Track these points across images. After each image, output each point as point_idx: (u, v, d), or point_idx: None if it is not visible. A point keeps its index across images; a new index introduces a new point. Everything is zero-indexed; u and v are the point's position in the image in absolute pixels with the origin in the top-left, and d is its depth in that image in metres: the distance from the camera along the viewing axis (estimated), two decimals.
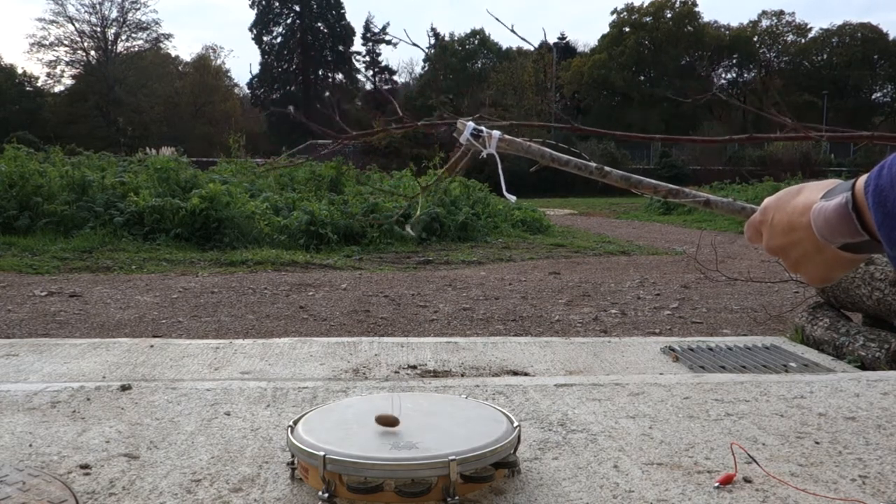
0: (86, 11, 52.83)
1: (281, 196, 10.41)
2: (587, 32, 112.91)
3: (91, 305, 4.72)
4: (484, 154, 1.15)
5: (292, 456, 1.44)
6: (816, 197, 0.73)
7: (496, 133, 1.14)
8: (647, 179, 1.12)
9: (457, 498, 1.30)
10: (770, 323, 4.24)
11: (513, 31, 1.61)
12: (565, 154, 1.14)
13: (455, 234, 9.45)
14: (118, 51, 47.83)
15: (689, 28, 47.46)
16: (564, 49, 52.79)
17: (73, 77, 47.74)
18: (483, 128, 1.15)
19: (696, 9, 48.04)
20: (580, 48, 55.37)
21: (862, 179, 0.67)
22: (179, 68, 50.70)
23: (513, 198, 1.28)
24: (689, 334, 3.97)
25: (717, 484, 1.44)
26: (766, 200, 0.82)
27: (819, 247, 0.73)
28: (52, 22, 53.98)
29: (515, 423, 1.48)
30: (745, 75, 49.85)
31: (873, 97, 49.82)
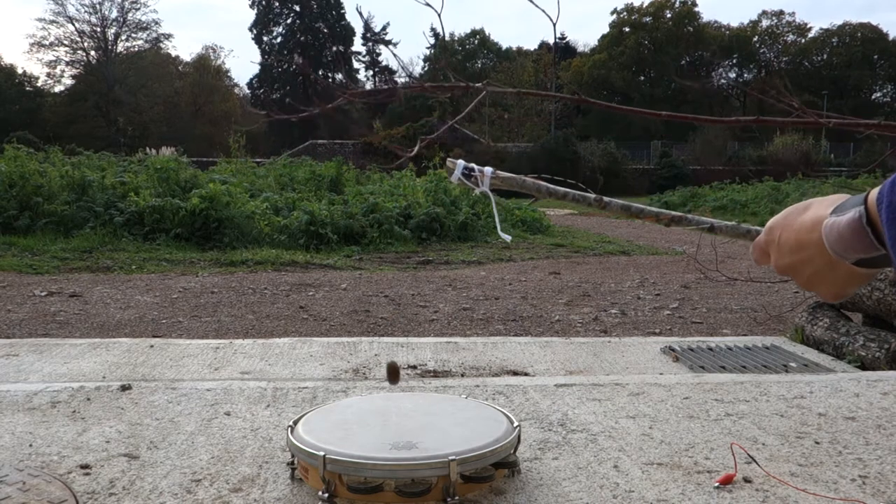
0: (86, 11, 52.89)
1: (281, 196, 10.41)
2: (587, 32, 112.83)
3: (91, 305, 4.72)
4: (477, 192, 1.14)
5: (292, 456, 1.44)
6: (825, 212, 0.71)
7: (488, 170, 1.13)
8: (649, 208, 1.11)
9: (457, 498, 1.30)
10: (770, 323, 4.24)
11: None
12: (560, 185, 1.13)
13: (455, 234, 9.44)
14: (118, 51, 47.85)
15: (689, 28, 47.49)
16: (564, 49, 52.80)
17: (73, 77, 47.78)
18: (474, 165, 1.13)
19: (696, 9, 48.09)
20: (580, 48, 55.42)
21: (874, 193, 0.65)
22: (179, 68, 50.70)
23: (508, 237, 1.28)
24: (689, 334, 3.97)
25: (717, 484, 1.44)
26: (772, 220, 0.80)
27: (832, 263, 0.72)
28: (52, 22, 54.07)
29: (515, 423, 1.48)
30: (746, 75, 49.89)
31: (873, 97, 49.87)
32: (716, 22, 50.01)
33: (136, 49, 48.63)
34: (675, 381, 2.24)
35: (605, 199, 1.10)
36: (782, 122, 1.79)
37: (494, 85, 1.50)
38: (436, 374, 2.78)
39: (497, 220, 1.26)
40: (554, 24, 1.63)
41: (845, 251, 0.69)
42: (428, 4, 1.75)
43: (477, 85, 1.52)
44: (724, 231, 1.01)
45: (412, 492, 1.30)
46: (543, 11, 1.63)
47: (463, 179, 1.13)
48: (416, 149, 1.55)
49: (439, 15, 1.81)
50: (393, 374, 1.51)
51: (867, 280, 0.74)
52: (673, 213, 1.09)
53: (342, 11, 54.23)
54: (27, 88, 44.90)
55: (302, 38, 53.00)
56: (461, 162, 1.13)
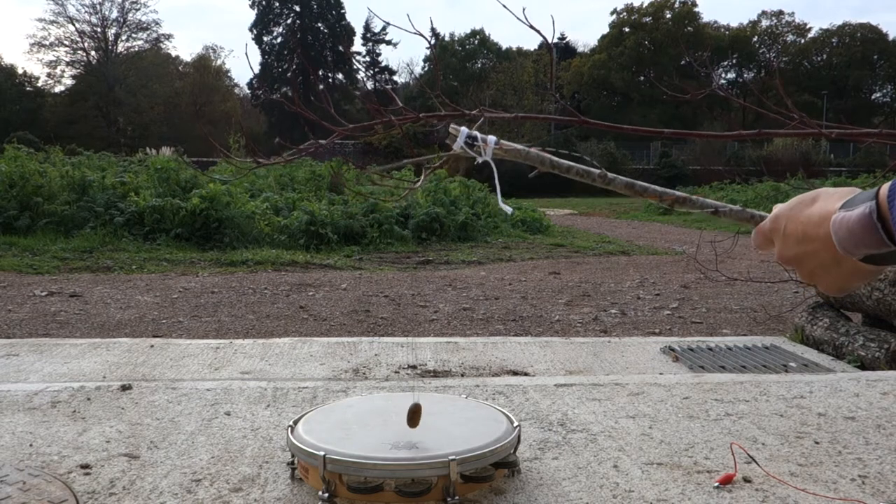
0: (86, 12, 52.80)
1: (281, 196, 10.42)
2: (587, 32, 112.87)
3: (91, 305, 4.72)
4: (479, 161, 1.11)
5: (292, 456, 1.44)
6: (833, 206, 0.70)
7: (491, 139, 1.10)
8: (653, 186, 1.07)
9: (457, 498, 1.30)
10: (770, 323, 4.24)
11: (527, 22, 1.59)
12: (566, 159, 1.10)
13: (455, 234, 9.45)
14: (118, 51, 47.88)
15: (689, 28, 47.49)
16: (564, 49, 52.84)
17: (74, 77, 47.79)
18: (478, 133, 1.11)
19: (696, 9, 48.11)
20: (580, 48, 55.46)
21: (885, 189, 0.65)
22: (179, 68, 50.71)
23: (509, 209, 1.25)
24: (689, 334, 3.97)
25: (716, 484, 1.44)
26: (778, 208, 0.79)
27: (837, 258, 0.71)
28: (52, 22, 54.09)
29: (515, 423, 1.49)
30: (746, 75, 49.90)
31: (873, 97, 49.87)
32: (715, 22, 50.08)
33: (137, 49, 48.67)
34: (674, 381, 2.24)
35: (609, 175, 1.07)
36: (784, 133, 1.78)
37: (490, 111, 1.48)
38: (436, 374, 2.78)
39: (499, 191, 1.22)
40: (550, 46, 1.63)
41: (854, 247, 0.68)
42: (418, 33, 1.74)
43: (473, 112, 1.50)
44: (728, 215, 0.99)
45: (412, 492, 1.30)
46: (539, 32, 1.62)
47: (465, 148, 1.10)
48: (421, 180, 1.54)
49: (433, 46, 1.81)
50: (412, 417, 1.46)
51: (873, 276, 0.73)
52: (677, 192, 1.06)
53: (342, 11, 54.25)
54: (27, 88, 44.90)
55: (302, 39, 52.95)
56: (464, 129, 1.10)
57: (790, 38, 49.99)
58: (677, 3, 48.06)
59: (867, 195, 0.67)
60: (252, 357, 2.97)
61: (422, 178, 1.50)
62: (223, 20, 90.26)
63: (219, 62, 52.09)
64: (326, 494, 1.32)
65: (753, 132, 1.83)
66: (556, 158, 1.09)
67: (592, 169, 1.09)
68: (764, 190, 16.47)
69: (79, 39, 47.27)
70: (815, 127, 1.76)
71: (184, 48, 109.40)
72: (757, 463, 1.55)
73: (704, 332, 4.02)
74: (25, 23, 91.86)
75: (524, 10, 1.58)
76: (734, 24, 50.98)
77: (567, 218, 15.63)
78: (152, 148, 16.31)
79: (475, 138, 1.10)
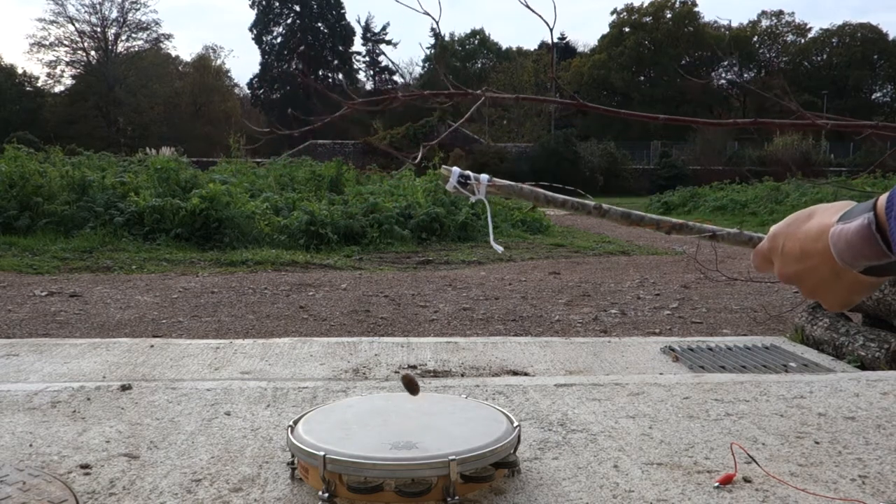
0: (86, 11, 52.83)
1: (281, 196, 10.42)
2: (587, 32, 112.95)
3: (91, 305, 4.72)
4: (472, 200, 1.11)
5: (292, 456, 1.44)
6: (830, 220, 0.70)
7: (484, 177, 1.10)
8: (649, 215, 1.08)
9: (457, 498, 1.30)
10: (770, 323, 4.24)
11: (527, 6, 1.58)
12: (559, 193, 1.10)
13: (455, 234, 9.45)
14: (118, 51, 47.91)
15: (689, 28, 47.51)
16: (564, 49, 52.87)
17: (74, 77, 47.82)
18: (470, 172, 1.11)
19: (696, 9, 48.12)
20: (580, 48, 55.51)
21: (882, 199, 0.64)
22: (179, 68, 50.74)
23: (500, 248, 1.26)
24: (689, 334, 3.97)
25: (716, 484, 1.44)
26: (775, 227, 0.79)
27: (838, 272, 0.70)
28: (52, 22, 54.15)
29: (515, 423, 1.49)
30: (746, 75, 49.91)
31: (873, 97, 49.90)
32: (715, 22, 50.08)
33: (136, 49, 48.70)
34: (674, 381, 2.24)
35: (605, 206, 1.08)
36: (780, 123, 1.79)
37: (493, 91, 1.48)
38: (436, 374, 2.78)
39: (490, 229, 1.23)
40: (551, 30, 1.62)
41: (854, 259, 0.67)
42: (426, 13, 1.74)
43: (476, 92, 1.50)
44: (725, 238, 1.00)
45: (412, 492, 1.30)
46: (540, 17, 1.62)
47: (458, 187, 1.10)
48: (419, 155, 1.53)
49: (437, 24, 1.81)
50: (411, 386, 1.50)
51: (874, 288, 0.73)
52: (674, 220, 1.07)
53: (342, 11, 54.27)
54: (27, 88, 44.93)
55: (302, 39, 52.95)
56: (456, 169, 1.11)
57: (790, 38, 50.03)
58: (677, 3, 48.07)
59: (865, 206, 0.67)
60: (252, 357, 2.97)
61: (419, 154, 1.49)
62: (223, 20, 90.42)
63: (219, 62, 52.14)
64: (326, 494, 1.32)
65: (749, 121, 1.84)
66: (549, 193, 1.09)
67: (587, 202, 1.09)
68: (763, 190, 16.46)
69: (79, 39, 47.34)
70: (811, 118, 1.76)
71: (184, 48, 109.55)
72: (757, 463, 1.55)
73: (704, 332, 4.02)
74: (25, 23, 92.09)
75: (527, 4, 1.58)
76: (734, 24, 50.99)
77: (567, 218, 15.61)
78: (152, 148, 16.29)
79: (468, 177, 1.10)
